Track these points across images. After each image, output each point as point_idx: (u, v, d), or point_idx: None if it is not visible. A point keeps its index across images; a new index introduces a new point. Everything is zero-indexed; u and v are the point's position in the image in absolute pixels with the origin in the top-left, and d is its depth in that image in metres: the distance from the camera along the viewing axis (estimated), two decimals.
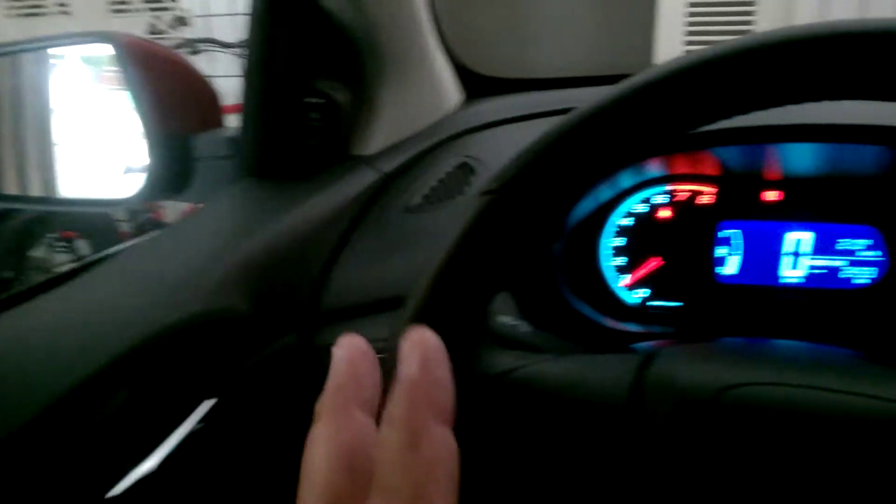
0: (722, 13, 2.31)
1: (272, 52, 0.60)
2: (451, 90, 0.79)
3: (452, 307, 0.35)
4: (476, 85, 0.87)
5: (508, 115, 0.73)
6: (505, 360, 0.37)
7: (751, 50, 0.30)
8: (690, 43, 2.32)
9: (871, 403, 0.32)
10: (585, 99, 0.33)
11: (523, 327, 0.47)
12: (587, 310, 0.57)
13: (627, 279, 0.60)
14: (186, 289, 0.47)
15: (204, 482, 0.46)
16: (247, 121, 0.62)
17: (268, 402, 0.50)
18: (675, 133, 0.33)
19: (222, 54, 2.26)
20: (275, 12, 0.59)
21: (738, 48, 0.30)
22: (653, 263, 0.59)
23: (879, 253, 0.55)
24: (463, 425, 0.35)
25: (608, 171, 0.34)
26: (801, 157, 0.56)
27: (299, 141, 0.63)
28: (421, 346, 0.23)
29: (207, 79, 0.62)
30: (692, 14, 2.33)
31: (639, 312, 0.60)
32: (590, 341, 0.55)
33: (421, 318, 0.34)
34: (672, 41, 2.32)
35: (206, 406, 0.45)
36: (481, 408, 0.37)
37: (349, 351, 0.24)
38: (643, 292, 0.60)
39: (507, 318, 0.47)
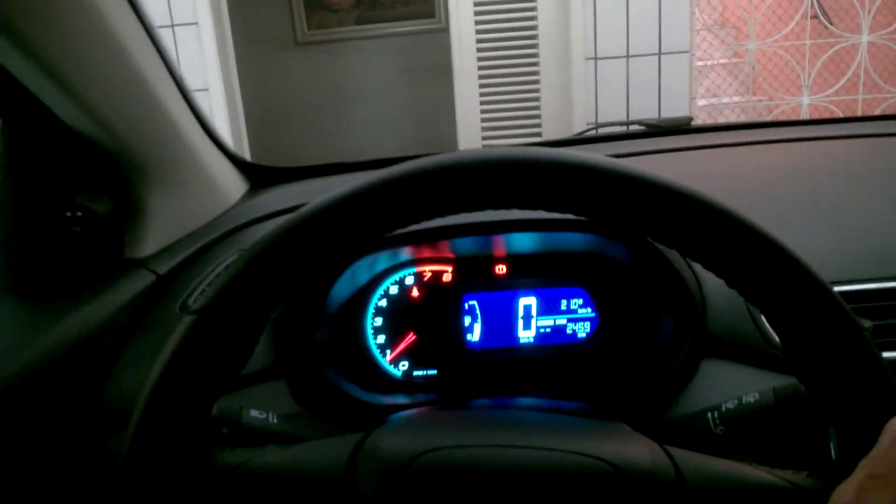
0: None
1: (19, 175, 0.61)
2: (230, 185, 0.83)
3: (174, 416, 0.38)
4: (261, 176, 0.92)
5: (286, 206, 0.79)
6: (234, 456, 0.41)
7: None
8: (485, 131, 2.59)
9: (535, 454, 0.39)
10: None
11: (272, 418, 0.51)
12: (351, 388, 0.62)
13: (389, 355, 0.66)
14: None
15: None
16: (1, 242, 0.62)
17: None
18: (375, 236, 0.39)
19: None
20: (17, 138, 0.61)
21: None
22: (410, 338, 0.66)
23: (589, 309, 0.66)
24: None
25: (306, 280, 0.39)
26: (522, 240, 0.65)
27: (61, 255, 0.64)
28: None
29: None
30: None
31: (404, 385, 0.66)
32: (356, 419, 0.61)
33: (143, 428, 0.38)
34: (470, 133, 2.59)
35: None
36: (220, 499, 0.40)
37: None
38: (404, 365, 0.67)
39: (256, 413, 0.51)
